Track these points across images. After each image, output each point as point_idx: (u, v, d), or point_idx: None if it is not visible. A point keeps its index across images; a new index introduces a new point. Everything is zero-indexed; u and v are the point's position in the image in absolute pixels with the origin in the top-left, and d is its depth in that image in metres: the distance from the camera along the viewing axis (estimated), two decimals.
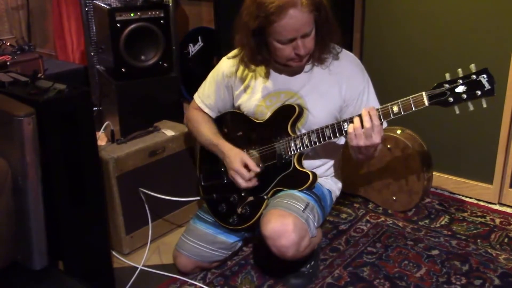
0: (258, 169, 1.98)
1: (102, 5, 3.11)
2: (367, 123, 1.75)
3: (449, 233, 2.41)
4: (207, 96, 2.17)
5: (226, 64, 2.10)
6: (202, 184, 2.23)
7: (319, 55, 1.93)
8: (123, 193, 2.27)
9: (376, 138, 1.76)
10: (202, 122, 2.17)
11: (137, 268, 2.18)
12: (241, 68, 2.05)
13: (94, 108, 3.45)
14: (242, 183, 1.98)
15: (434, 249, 2.29)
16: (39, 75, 1.93)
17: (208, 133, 2.12)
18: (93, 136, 1.90)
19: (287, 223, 1.84)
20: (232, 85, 2.10)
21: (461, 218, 2.53)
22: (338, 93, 1.97)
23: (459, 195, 2.73)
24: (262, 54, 1.93)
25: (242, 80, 2.07)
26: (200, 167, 2.26)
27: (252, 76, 2.04)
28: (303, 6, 1.75)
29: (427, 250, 2.28)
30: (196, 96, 2.22)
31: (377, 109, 1.77)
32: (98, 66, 3.53)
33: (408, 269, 2.16)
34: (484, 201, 2.66)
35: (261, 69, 2.01)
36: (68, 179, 1.81)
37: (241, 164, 1.98)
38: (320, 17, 1.83)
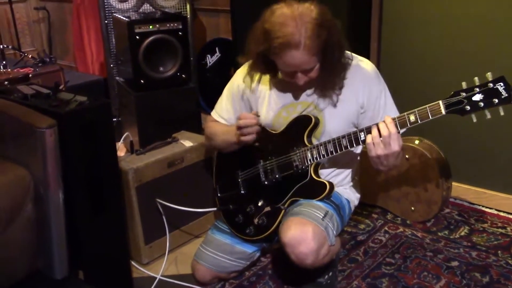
0: (255, 115, 1.96)
1: (122, 17, 3.16)
2: (384, 131, 1.75)
3: (469, 244, 2.38)
4: (225, 110, 2.20)
5: (240, 77, 2.12)
6: (219, 195, 2.24)
7: (321, 89, 1.93)
8: (142, 203, 2.30)
9: (395, 146, 1.76)
10: (217, 127, 2.20)
11: (156, 278, 2.19)
12: (255, 81, 2.07)
13: (114, 119, 3.49)
14: (251, 129, 1.94)
15: (453, 260, 2.27)
16: (60, 87, 1.97)
17: (221, 128, 2.16)
18: (113, 147, 1.93)
19: (306, 230, 1.84)
20: (248, 97, 2.12)
21: (481, 229, 2.50)
22: (354, 101, 1.97)
23: (479, 205, 2.70)
24: (270, 71, 1.97)
25: (257, 92, 2.08)
26: (217, 178, 2.27)
27: (267, 88, 2.06)
28: (305, 49, 1.75)
29: (447, 262, 2.26)
30: (213, 112, 2.25)
31: (394, 118, 1.77)
32: (117, 78, 3.57)
33: (428, 281, 2.14)
34: (504, 212, 2.63)
35: (275, 82, 2.03)
36: (88, 189, 1.83)
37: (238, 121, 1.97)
38: (325, 57, 1.82)
